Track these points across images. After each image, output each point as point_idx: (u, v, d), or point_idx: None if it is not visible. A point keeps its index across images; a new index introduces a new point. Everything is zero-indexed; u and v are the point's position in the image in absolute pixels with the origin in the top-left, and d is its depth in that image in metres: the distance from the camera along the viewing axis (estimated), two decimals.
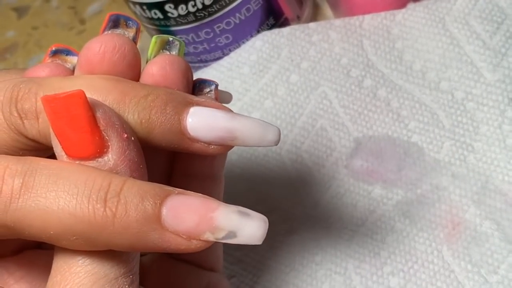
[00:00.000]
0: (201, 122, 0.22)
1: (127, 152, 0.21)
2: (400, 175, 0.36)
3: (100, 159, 0.20)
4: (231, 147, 0.23)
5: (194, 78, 0.26)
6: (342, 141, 0.37)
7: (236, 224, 0.20)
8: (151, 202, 0.19)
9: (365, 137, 0.37)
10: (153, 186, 0.20)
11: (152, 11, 0.40)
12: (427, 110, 0.37)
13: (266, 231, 0.20)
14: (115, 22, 0.24)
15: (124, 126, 0.21)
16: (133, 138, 0.21)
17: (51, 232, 0.19)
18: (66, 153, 0.20)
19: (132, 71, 0.24)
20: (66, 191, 0.19)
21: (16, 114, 0.21)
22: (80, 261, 0.20)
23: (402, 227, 0.34)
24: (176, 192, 0.20)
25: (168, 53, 0.25)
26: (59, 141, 0.20)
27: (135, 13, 0.41)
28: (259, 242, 0.20)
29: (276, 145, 0.24)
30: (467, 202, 0.34)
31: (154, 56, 0.25)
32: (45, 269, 0.24)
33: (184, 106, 0.23)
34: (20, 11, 0.58)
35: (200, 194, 0.20)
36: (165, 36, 0.25)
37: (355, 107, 0.38)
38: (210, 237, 0.20)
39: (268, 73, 0.41)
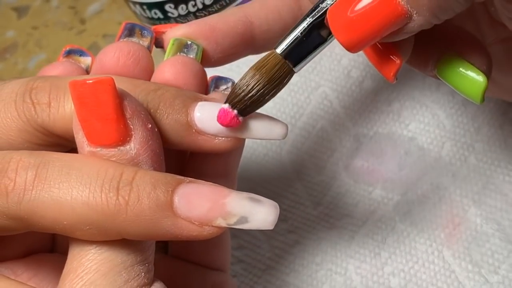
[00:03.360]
0: (208, 114, 0.23)
1: (150, 142, 0.21)
2: (401, 175, 0.36)
3: (122, 148, 0.20)
4: (238, 141, 0.23)
5: (210, 75, 0.26)
6: (343, 141, 0.37)
7: (248, 210, 0.20)
8: (163, 190, 0.20)
9: (366, 137, 0.37)
10: (164, 175, 0.20)
11: (152, 11, 0.40)
12: (427, 111, 0.37)
13: (277, 216, 0.21)
14: (130, 31, 0.25)
15: (148, 116, 0.21)
16: (156, 130, 0.21)
17: (65, 223, 0.19)
18: (87, 140, 0.20)
19: (145, 76, 0.24)
20: (79, 182, 0.19)
21: (28, 101, 0.21)
22: (97, 248, 0.20)
23: (403, 228, 0.34)
24: (188, 180, 0.20)
25: (185, 55, 0.25)
26: (81, 127, 0.20)
27: (135, 12, 0.41)
28: (271, 227, 0.20)
29: (283, 138, 0.24)
30: (467, 202, 0.34)
31: None
32: (53, 271, 0.24)
33: (192, 101, 0.23)
34: (20, 11, 0.58)
35: (211, 183, 0.21)
36: (184, 39, 0.25)
37: (355, 107, 0.38)
38: (222, 223, 0.20)
39: None
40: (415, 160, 0.36)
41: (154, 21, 0.41)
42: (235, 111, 0.22)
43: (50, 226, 0.20)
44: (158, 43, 0.27)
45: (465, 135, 0.36)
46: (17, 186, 0.19)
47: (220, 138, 0.23)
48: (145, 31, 0.25)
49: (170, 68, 0.24)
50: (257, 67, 0.23)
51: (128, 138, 0.20)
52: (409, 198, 0.35)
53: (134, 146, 0.20)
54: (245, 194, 0.20)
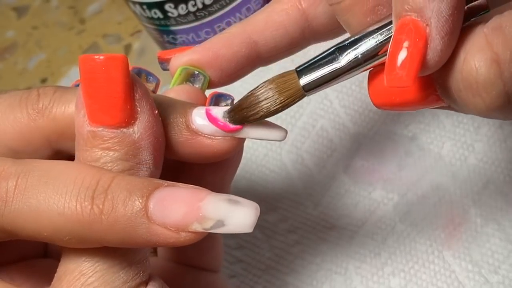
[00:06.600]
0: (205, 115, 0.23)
1: (154, 129, 0.20)
2: (401, 175, 0.36)
3: (125, 130, 0.20)
4: (237, 142, 0.23)
5: (211, 91, 0.26)
6: (343, 141, 0.37)
7: (223, 213, 0.19)
8: (139, 196, 0.19)
9: (366, 137, 0.37)
10: (142, 180, 0.20)
11: (152, 11, 0.39)
12: (427, 111, 0.37)
13: (257, 218, 0.20)
14: (137, 75, 0.25)
15: (155, 104, 0.21)
16: (160, 119, 0.21)
17: (45, 234, 0.19)
18: (89, 119, 0.20)
19: None
20: (55, 191, 0.19)
21: (34, 93, 0.21)
22: (93, 249, 0.20)
23: (403, 228, 0.34)
24: (166, 184, 0.20)
25: (191, 85, 0.25)
26: (85, 104, 0.20)
27: (135, 12, 0.41)
28: (249, 230, 0.19)
29: (283, 140, 0.24)
30: (468, 202, 0.34)
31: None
32: (46, 276, 0.24)
33: (190, 106, 0.23)
34: (20, 11, 0.58)
35: (191, 185, 0.20)
36: (191, 68, 0.26)
37: (355, 107, 0.38)
38: (198, 227, 0.19)
39: (268, 73, 0.40)
40: (415, 160, 0.36)
41: (154, 20, 0.40)
42: (229, 123, 0.22)
43: (33, 236, 0.19)
44: (165, 67, 0.27)
45: (465, 135, 0.36)
46: None
47: (218, 137, 0.23)
48: (151, 77, 0.26)
49: (174, 97, 0.24)
50: (276, 91, 0.22)
51: (133, 121, 0.20)
52: (409, 198, 0.35)
53: (137, 130, 0.20)
54: (223, 196, 0.20)
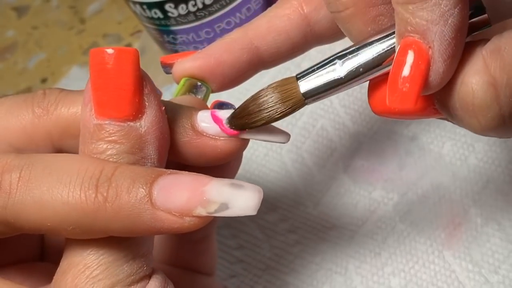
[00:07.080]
0: (210, 115, 0.23)
1: (161, 124, 0.21)
2: (401, 175, 0.36)
3: (132, 123, 0.20)
4: (242, 142, 0.23)
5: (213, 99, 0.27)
6: (343, 141, 0.37)
7: (227, 196, 0.19)
8: (142, 183, 0.19)
9: (366, 137, 0.37)
10: (145, 168, 0.20)
11: (152, 11, 0.39)
12: None
13: (260, 201, 0.20)
14: None
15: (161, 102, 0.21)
16: (166, 116, 0.21)
17: (48, 224, 0.19)
18: (96, 112, 0.20)
19: None
20: (59, 181, 0.19)
21: (40, 91, 0.22)
22: (98, 243, 0.20)
23: (403, 227, 0.34)
24: (169, 172, 0.20)
25: (194, 95, 0.26)
26: (93, 97, 0.20)
27: (135, 12, 0.41)
28: (253, 212, 0.20)
29: (285, 143, 0.24)
30: (468, 202, 0.34)
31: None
32: (45, 278, 0.24)
33: (196, 109, 0.23)
34: (20, 10, 0.58)
35: (194, 172, 0.20)
36: (194, 80, 0.26)
37: (355, 107, 0.38)
38: (202, 211, 0.19)
39: (269, 73, 0.40)
40: (415, 159, 0.36)
41: (154, 20, 0.40)
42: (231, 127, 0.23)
43: (37, 227, 0.19)
44: (167, 70, 0.27)
45: (465, 135, 0.36)
46: (3, 190, 0.19)
47: (223, 137, 0.23)
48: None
49: None
50: (277, 100, 0.22)
51: (140, 115, 0.20)
52: (409, 198, 0.35)
53: (144, 124, 0.20)
54: (226, 180, 0.20)
